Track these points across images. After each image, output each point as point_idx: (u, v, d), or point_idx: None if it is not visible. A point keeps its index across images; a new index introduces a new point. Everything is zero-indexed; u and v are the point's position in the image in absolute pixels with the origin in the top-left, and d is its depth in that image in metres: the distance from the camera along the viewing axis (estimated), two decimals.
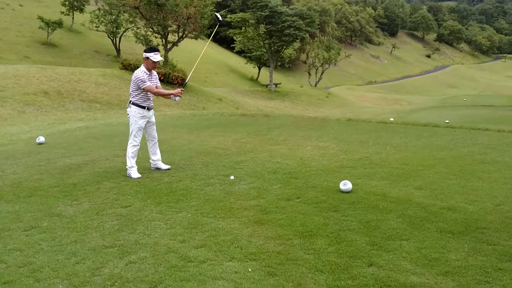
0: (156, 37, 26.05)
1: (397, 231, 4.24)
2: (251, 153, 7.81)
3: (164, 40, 25.22)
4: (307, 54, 69.11)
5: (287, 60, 45.34)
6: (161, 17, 23.35)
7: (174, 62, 24.63)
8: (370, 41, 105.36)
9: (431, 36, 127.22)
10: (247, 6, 33.22)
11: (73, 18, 35.34)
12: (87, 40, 35.61)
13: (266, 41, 32.13)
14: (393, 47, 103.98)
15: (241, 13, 32.65)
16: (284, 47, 33.95)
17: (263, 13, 28.83)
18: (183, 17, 23.13)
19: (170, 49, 24.84)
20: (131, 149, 6.64)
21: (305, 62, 71.79)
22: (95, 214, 4.99)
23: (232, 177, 6.19)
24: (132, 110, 6.62)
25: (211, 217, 4.82)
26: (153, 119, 6.88)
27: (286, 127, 10.50)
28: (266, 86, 37.23)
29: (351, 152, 7.70)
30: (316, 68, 43.07)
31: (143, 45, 26.39)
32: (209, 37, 44.19)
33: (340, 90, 45.14)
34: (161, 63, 25.62)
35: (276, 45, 32.19)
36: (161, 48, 26.15)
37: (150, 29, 25.19)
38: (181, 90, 6.79)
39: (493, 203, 4.96)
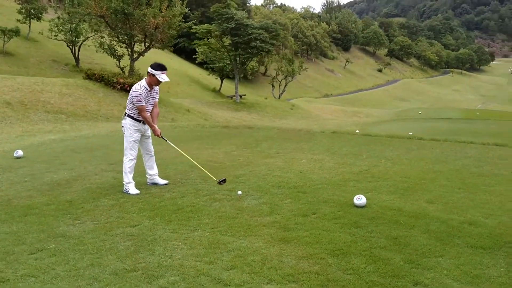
0: (121, 47, 25.41)
1: (428, 248, 4.17)
2: (248, 167, 7.61)
3: (130, 49, 24.61)
4: (265, 67, 69.76)
5: (249, 72, 45.54)
6: (127, 26, 22.78)
7: (140, 72, 24.10)
8: (325, 55, 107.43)
9: (383, 51, 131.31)
10: (206, 17, 33.05)
11: (29, 26, 33.94)
12: (45, 49, 34.24)
13: (232, 53, 32.07)
14: (347, 61, 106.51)
15: (206, 24, 32.47)
16: (250, 59, 34.09)
17: (229, 25, 28.79)
18: (150, 27, 22.67)
19: (136, 59, 24.23)
20: (128, 164, 6.32)
21: (263, 74, 72.43)
22: (103, 234, 4.66)
23: (239, 192, 5.98)
24: (127, 123, 6.31)
25: (230, 235, 4.59)
26: (148, 133, 6.59)
27: (274, 139, 10.37)
28: (231, 97, 37.10)
29: (348, 165, 7.65)
30: (280, 80, 43.46)
31: (108, 55, 25.61)
32: (173, 48, 43.67)
33: (299, 102, 45.56)
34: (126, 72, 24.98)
35: (242, 57, 32.22)
36: (126, 57, 25.51)
37: (116, 39, 24.52)
38: (160, 135, 6.43)
39: (509, 217, 4.98)
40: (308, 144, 9.68)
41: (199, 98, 36.81)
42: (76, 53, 32.42)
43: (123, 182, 6.29)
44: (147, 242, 4.44)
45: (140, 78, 22.21)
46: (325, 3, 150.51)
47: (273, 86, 45.02)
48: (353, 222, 4.86)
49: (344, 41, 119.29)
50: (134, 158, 6.36)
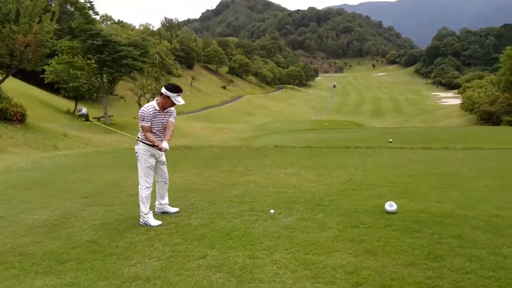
0: None
1: (495, 241, 4.59)
2: (237, 186, 7.45)
3: None
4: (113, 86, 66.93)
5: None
6: None
7: (8, 95, 21.12)
8: (170, 73, 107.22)
9: (224, 69, 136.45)
10: (73, 34, 30.61)
11: None
12: None
13: (97, 71, 30.19)
14: (193, 79, 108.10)
15: (67, 41, 29.95)
16: (119, 77, 32.48)
17: (95, 42, 27.06)
18: (19, 46, 20.11)
19: (2, 80, 21.15)
20: (144, 192, 5.77)
21: (111, 94, 69.28)
22: (182, 270, 4.22)
23: (272, 211, 5.91)
24: (140, 148, 5.80)
25: (313, 254, 4.51)
26: (163, 158, 6.14)
27: (226, 158, 10.16)
28: (98, 119, 34.80)
29: (328, 177, 7.95)
30: (148, 99, 42.23)
31: None
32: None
33: None
34: None
35: (112, 76, 30.57)
36: None
37: None
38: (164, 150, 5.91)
39: None
40: (266, 159, 9.79)
41: (59, 121, 33.73)
42: None
43: (140, 213, 5.74)
44: (239, 271, 4.17)
45: (9, 102, 19.72)
46: (164, 21, 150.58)
47: (139, 105, 43.51)
48: (407, 228, 5.16)
49: (187, 59, 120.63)
50: (151, 186, 5.85)
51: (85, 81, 35.81)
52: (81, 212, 6.32)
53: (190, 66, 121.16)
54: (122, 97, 61.43)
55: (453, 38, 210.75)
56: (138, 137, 5.81)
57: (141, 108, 5.74)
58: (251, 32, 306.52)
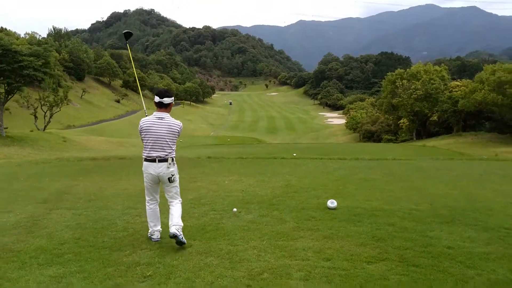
0: None
1: (417, 227, 5.79)
2: (189, 191, 8.02)
3: None
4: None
5: None
6: None
7: None
8: (59, 85, 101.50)
9: (118, 82, 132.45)
10: None
11: None
12: None
13: None
14: (83, 91, 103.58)
15: None
16: (18, 88, 30.49)
17: None
18: None
19: None
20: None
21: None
22: (178, 256, 4.83)
23: (235, 209, 6.66)
24: (176, 167, 5.49)
25: (283, 240, 5.33)
26: None
27: None
28: None
29: (268, 182, 8.85)
30: (45, 111, 39.78)
31: None
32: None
33: (59, 134, 42.79)
34: None
35: (11, 86, 28.66)
36: None
37: None
38: None
39: (430, 204, 7.15)
40: (205, 168, 10.41)
41: None
42: None
43: (179, 229, 5.27)
44: (227, 255, 4.82)
45: None
46: (53, 30, 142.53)
47: (35, 117, 40.88)
48: (349, 219, 6.24)
49: (77, 70, 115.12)
50: None
51: None
52: (49, 215, 6.53)
53: (80, 78, 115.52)
54: (7, 109, 57.44)
55: (337, 63, 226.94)
56: (172, 158, 5.37)
57: (180, 125, 5.43)
58: (145, 46, 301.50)
